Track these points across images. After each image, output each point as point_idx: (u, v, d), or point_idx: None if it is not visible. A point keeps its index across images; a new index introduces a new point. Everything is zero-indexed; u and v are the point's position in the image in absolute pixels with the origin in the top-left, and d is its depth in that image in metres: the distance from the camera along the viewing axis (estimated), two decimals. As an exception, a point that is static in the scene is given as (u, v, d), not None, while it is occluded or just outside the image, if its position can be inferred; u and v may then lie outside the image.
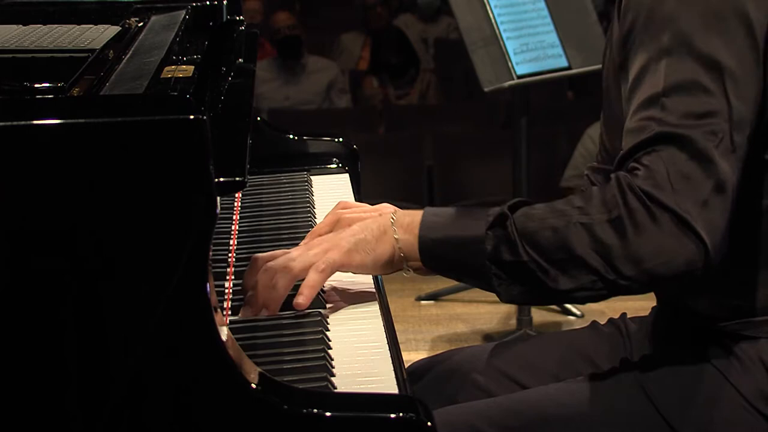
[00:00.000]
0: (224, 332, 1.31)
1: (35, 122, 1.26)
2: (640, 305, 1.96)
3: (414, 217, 1.66)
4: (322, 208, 2.10)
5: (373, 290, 1.73)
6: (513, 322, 4.40)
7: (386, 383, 1.46)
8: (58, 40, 1.82)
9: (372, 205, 1.95)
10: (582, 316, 4.61)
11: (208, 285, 1.29)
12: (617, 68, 1.67)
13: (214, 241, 1.30)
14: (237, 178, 1.45)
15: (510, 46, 4.09)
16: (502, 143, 5.98)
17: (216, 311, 1.30)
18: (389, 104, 7.73)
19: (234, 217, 2.03)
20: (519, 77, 4.08)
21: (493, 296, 1.64)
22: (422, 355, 2.04)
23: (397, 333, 1.63)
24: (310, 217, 2.06)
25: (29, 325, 1.27)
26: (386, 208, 1.90)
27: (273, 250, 1.89)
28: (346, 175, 2.33)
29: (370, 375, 1.48)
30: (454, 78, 7.80)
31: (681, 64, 1.55)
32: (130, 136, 1.27)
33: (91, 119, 1.27)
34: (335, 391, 1.42)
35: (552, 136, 6.40)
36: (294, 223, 2.04)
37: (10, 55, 1.71)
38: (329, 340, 1.55)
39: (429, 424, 1.29)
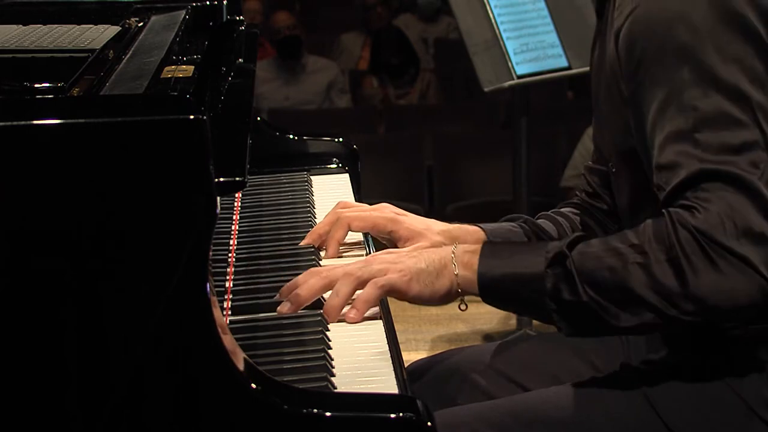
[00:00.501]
0: (224, 332, 1.31)
1: (35, 122, 1.26)
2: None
3: (473, 252, 1.65)
4: (322, 208, 2.10)
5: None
6: (513, 322, 4.39)
7: (386, 383, 1.46)
8: (58, 40, 1.82)
9: (371, 204, 1.95)
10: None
11: (208, 285, 1.29)
12: (626, 99, 1.65)
13: (214, 241, 1.30)
14: (237, 178, 1.45)
15: (510, 46, 4.09)
16: (502, 143, 5.98)
17: (216, 311, 1.30)
18: (389, 104, 7.73)
19: (234, 217, 2.03)
20: (519, 77, 4.08)
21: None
22: (422, 355, 2.04)
23: (397, 333, 1.63)
24: (310, 217, 2.06)
25: (29, 325, 1.27)
26: (385, 207, 1.90)
27: (273, 250, 1.89)
28: (346, 175, 2.33)
29: (370, 375, 1.48)
30: (454, 78, 7.80)
31: (707, 97, 1.55)
32: (130, 136, 1.27)
33: (91, 119, 1.27)
34: (335, 391, 1.42)
35: (552, 136, 6.40)
36: (294, 223, 2.04)
37: (10, 55, 1.71)
38: (329, 340, 1.55)
39: (429, 424, 1.29)
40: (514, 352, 1.93)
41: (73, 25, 1.95)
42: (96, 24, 1.97)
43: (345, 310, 1.64)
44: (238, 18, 2.32)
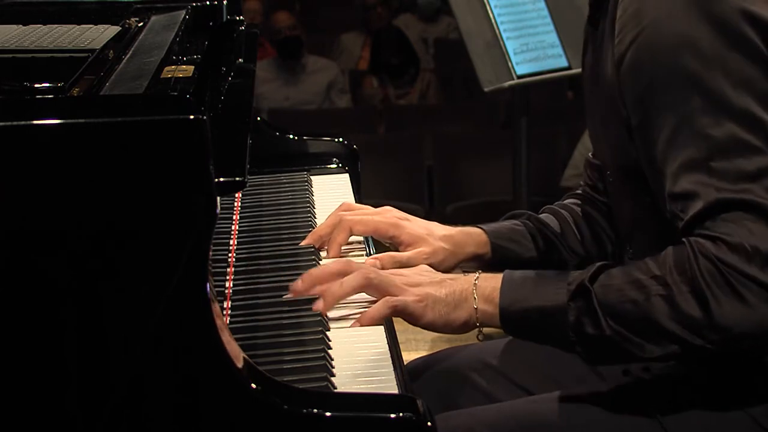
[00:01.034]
0: (224, 332, 1.31)
1: (35, 122, 1.26)
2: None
3: (494, 285, 1.64)
4: (322, 208, 2.10)
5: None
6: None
7: (386, 383, 1.46)
8: (58, 40, 1.82)
9: (374, 206, 1.95)
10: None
11: (208, 285, 1.29)
12: (624, 119, 1.64)
13: (214, 241, 1.30)
14: (237, 178, 1.45)
15: (510, 46, 4.09)
16: (502, 143, 5.97)
17: (216, 311, 1.30)
18: (389, 104, 7.73)
19: (234, 217, 2.03)
20: (519, 77, 4.08)
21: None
22: (422, 355, 2.04)
23: (397, 333, 1.63)
24: (310, 217, 2.06)
25: (29, 325, 1.27)
26: (388, 211, 1.90)
27: (273, 250, 1.89)
28: (346, 175, 2.33)
29: (370, 375, 1.48)
30: (454, 78, 7.80)
31: (719, 124, 1.53)
32: (130, 136, 1.27)
33: (91, 119, 1.27)
34: (335, 391, 1.42)
35: (552, 136, 6.40)
36: (294, 223, 2.04)
37: (10, 55, 1.71)
38: (329, 340, 1.55)
39: (429, 424, 1.29)
40: (514, 352, 1.93)
41: (73, 25, 1.95)
42: (96, 24, 1.97)
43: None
44: (238, 18, 2.32)
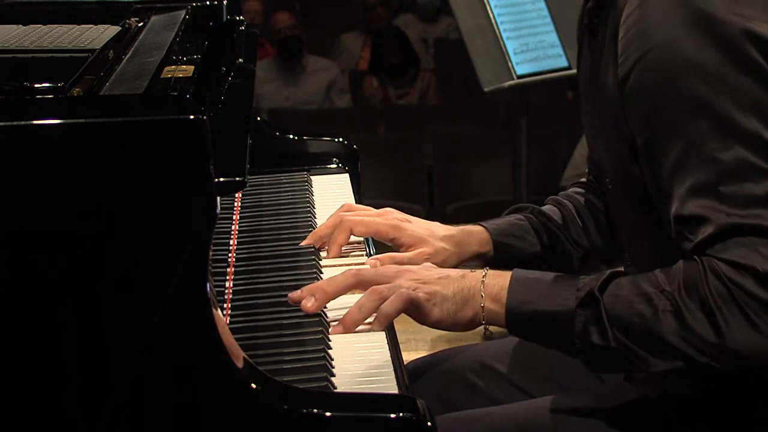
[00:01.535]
0: (225, 332, 1.31)
1: (35, 122, 1.26)
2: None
3: (502, 285, 1.62)
4: (322, 208, 2.10)
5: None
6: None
7: (386, 383, 1.46)
8: (58, 40, 1.82)
9: (374, 207, 1.95)
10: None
11: (208, 285, 1.29)
12: (639, 147, 1.61)
13: (214, 241, 1.30)
14: (237, 178, 1.45)
15: (510, 46, 4.09)
16: (502, 143, 5.97)
17: (216, 311, 1.30)
18: (389, 104, 7.73)
19: (234, 217, 2.03)
20: (519, 77, 4.08)
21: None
22: (422, 354, 2.04)
23: (397, 333, 1.62)
24: (310, 217, 2.06)
25: (29, 325, 1.27)
26: (389, 213, 1.90)
27: (273, 250, 1.89)
28: (346, 175, 2.33)
29: (370, 375, 1.48)
30: (454, 78, 7.80)
31: (727, 148, 1.51)
32: (130, 136, 1.27)
33: (91, 119, 1.27)
34: (335, 391, 1.42)
35: (552, 136, 6.40)
36: (294, 223, 2.04)
37: (10, 55, 1.71)
38: (329, 340, 1.55)
39: (429, 424, 1.29)
40: (514, 354, 1.93)
41: (73, 25, 1.95)
42: (96, 24, 1.97)
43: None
44: (238, 18, 2.32)
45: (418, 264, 1.82)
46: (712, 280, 1.49)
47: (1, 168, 1.25)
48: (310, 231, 1.94)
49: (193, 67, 1.66)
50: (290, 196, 2.20)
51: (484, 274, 1.64)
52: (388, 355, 1.54)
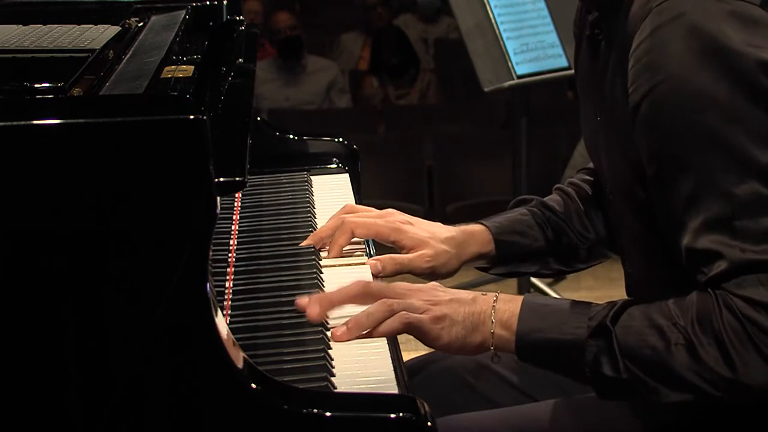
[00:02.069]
0: (224, 332, 1.31)
1: (35, 122, 1.26)
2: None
3: (513, 311, 1.60)
4: (322, 208, 2.10)
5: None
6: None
7: (386, 383, 1.45)
8: (58, 40, 1.82)
9: (374, 207, 1.95)
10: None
11: (208, 285, 1.29)
12: (650, 177, 1.59)
13: (214, 241, 1.30)
14: (237, 178, 1.44)
15: (510, 46, 4.09)
16: (502, 143, 5.98)
17: (216, 311, 1.30)
18: (389, 104, 7.73)
19: (234, 217, 2.03)
20: (519, 77, 4.08)
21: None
22: (421, 354, 2.03)
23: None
24: (310, 217, 2.06)
25: (29, 325, 1.27)
26: (391, 214, 1.89)
27: (273, 250, 1.89)
28: (346, 175, 2.33)
29: (370, 375, 1.48)
30: (454, 78, 7.79)
31: (743, 183, 1.49)
32: (130, 136, 1.27)
33: (91, 119, 1.27)
34: (335, 391, 1.42)
35: (552, 136, 6.40)
36: (294, 223, 2.04)
37: (10, 55, 1.71)
38: (329, 340, 1.55)
39: (429, 424, 1.29)
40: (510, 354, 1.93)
41: (73, 25, 1.95)
42: (96, 24, 1.96)
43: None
44: (238, 18, 2.32)
45: (420, 265, 1.82)
46: (727, 315, 1.48)
47: (1, 168, 1.25)
48: (311, 231, 1.94)
49: (193, 67, 1.66)
50: (290, 196, 2.20)
51: (495, 299, 1.61)
52: (388, 355, 1.53)
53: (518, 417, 1.75)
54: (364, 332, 1.57)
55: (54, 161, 1.26)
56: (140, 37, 1.97)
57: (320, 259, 1.85)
